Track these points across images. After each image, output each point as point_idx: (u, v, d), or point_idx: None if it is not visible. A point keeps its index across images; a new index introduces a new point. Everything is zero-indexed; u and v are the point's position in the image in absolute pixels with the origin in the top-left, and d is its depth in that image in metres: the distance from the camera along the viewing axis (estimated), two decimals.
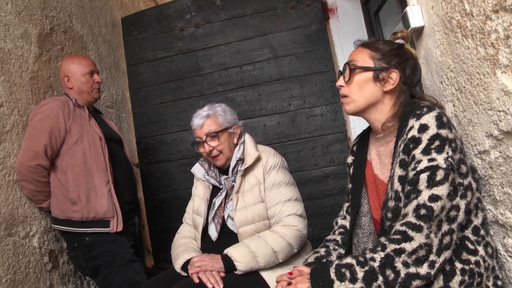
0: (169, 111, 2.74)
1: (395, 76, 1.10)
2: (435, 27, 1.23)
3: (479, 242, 0.99)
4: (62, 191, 1.73)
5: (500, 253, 1.07)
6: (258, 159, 1.56)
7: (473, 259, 0.97)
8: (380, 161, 1.17)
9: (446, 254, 0.93)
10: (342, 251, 1.24)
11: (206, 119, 1.59)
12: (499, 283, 1.00)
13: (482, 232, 1.01)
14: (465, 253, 0.97)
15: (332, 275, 0.94)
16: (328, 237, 1.31)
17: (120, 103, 2.75)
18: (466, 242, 0.99)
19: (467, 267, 0.95)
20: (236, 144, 1.64)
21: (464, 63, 1.09)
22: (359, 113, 1.16)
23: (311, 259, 1.21)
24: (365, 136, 1.28)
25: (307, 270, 1.03)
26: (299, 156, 2.55)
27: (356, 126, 2.57)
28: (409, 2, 1.35)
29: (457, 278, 0.94)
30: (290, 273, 1.07)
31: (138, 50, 2.81)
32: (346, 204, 1.32)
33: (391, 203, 1.02)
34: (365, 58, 1.12)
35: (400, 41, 1.16)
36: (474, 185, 1.00)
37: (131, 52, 2.83)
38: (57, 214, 1.74)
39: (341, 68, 1.20)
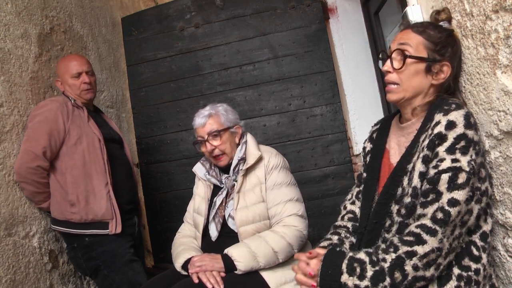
0: (169, 111, 2.74)
1: (446, 69, 1.05)
2: None
3: (485, 249, 0.97)
4: (61, 192, 1.73)
5: (500, 253, 1.07)
6: (260, 159, 1.57)
7: (474, 266, 0.95)
8: (399, 151, 1.12)
9: (451, 257, 0.93)
10: (353, 239, 1.20)
11: (208, 118, 1.59)
12: None
13: (489, 239, 0.99)
14: (467, 259, 0.95)
15: (343, 266, 0.93)
16: (338, 223, 1.27)
17: (120, 103, 2.75)
18: (472, 247, 0.96)
19: (464, 274, 0.93)
20: (238, 144, 1.64)
21: (464, 63, 1.09)
22: (402, 102, 1.10)
23: (324, 244, 1.17)
24: (387, 123, 1.23)
25: (323, 252, 1.01)
26: (299, 156, 2.55)
27: (356, 126, 2.57)
28: (409, 2, 1.35)
29: (452, 283, 0.92)
30: (310, 253, 1.04)
31: (138, 50, 2.81)
32: (357, 189, 1.28)
33: (407, 199, 0.99)
34: (419, 47, 1.04)
35: (445, 24, 1.09)
36: (490, 190, 0.98)
37: (131, 52, 2.83)
38: (56, 215, 1.74)
39: (386, 51, 1.12)
